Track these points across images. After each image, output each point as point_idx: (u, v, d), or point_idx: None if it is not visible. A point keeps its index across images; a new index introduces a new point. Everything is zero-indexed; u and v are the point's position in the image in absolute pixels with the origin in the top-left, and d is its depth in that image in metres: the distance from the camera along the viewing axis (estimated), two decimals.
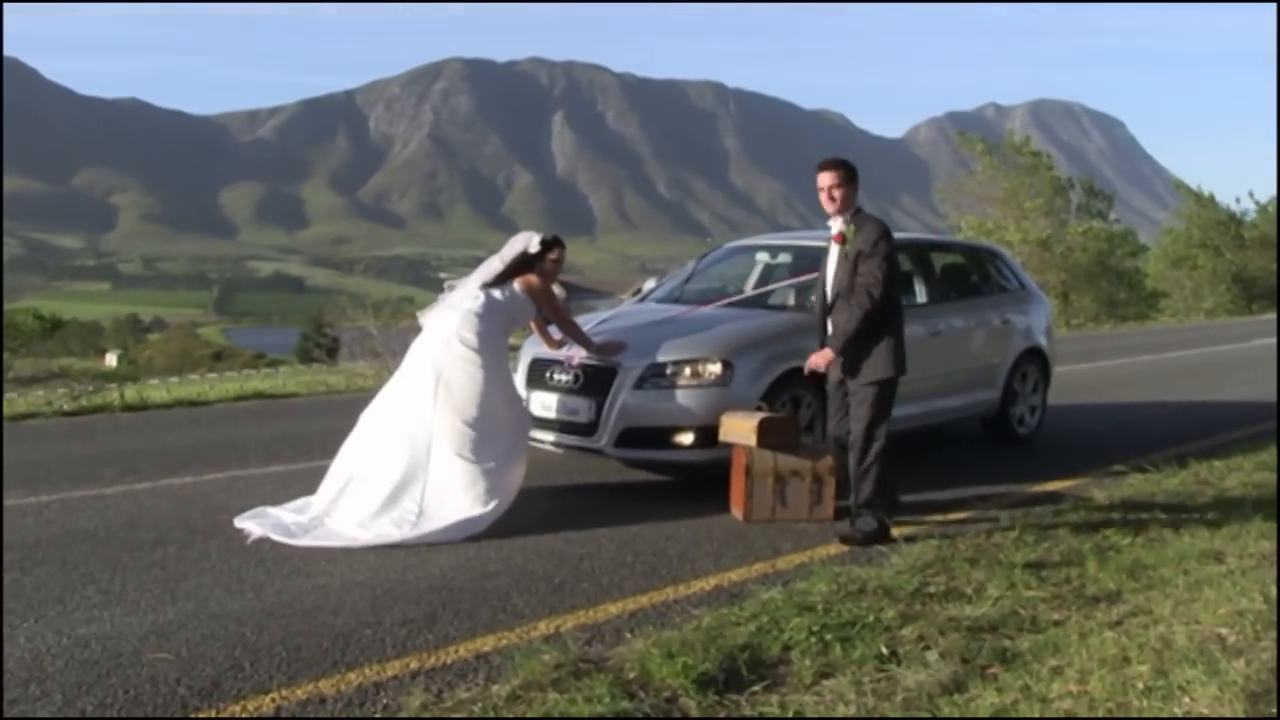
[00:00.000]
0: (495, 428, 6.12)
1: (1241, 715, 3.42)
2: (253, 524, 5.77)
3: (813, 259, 8.51)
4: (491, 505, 5.92)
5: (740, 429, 6.28)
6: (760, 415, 6.33)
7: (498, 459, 6.06)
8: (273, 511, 5.94)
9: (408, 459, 5.88)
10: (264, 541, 5.59)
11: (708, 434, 6.59)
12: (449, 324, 6.29)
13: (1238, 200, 44.85)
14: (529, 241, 6.55)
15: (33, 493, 6.74)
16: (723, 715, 3.56)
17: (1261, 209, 44.19)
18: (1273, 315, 32.60)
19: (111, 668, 3.96)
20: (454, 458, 5.89)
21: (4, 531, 5.80)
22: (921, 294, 8.43)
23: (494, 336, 6.36)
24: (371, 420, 6.19)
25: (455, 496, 5.82)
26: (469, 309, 6.34)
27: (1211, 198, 44.54)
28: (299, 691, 3.80)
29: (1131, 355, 17.71)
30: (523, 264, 6.52)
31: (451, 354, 6.16)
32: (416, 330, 6.61)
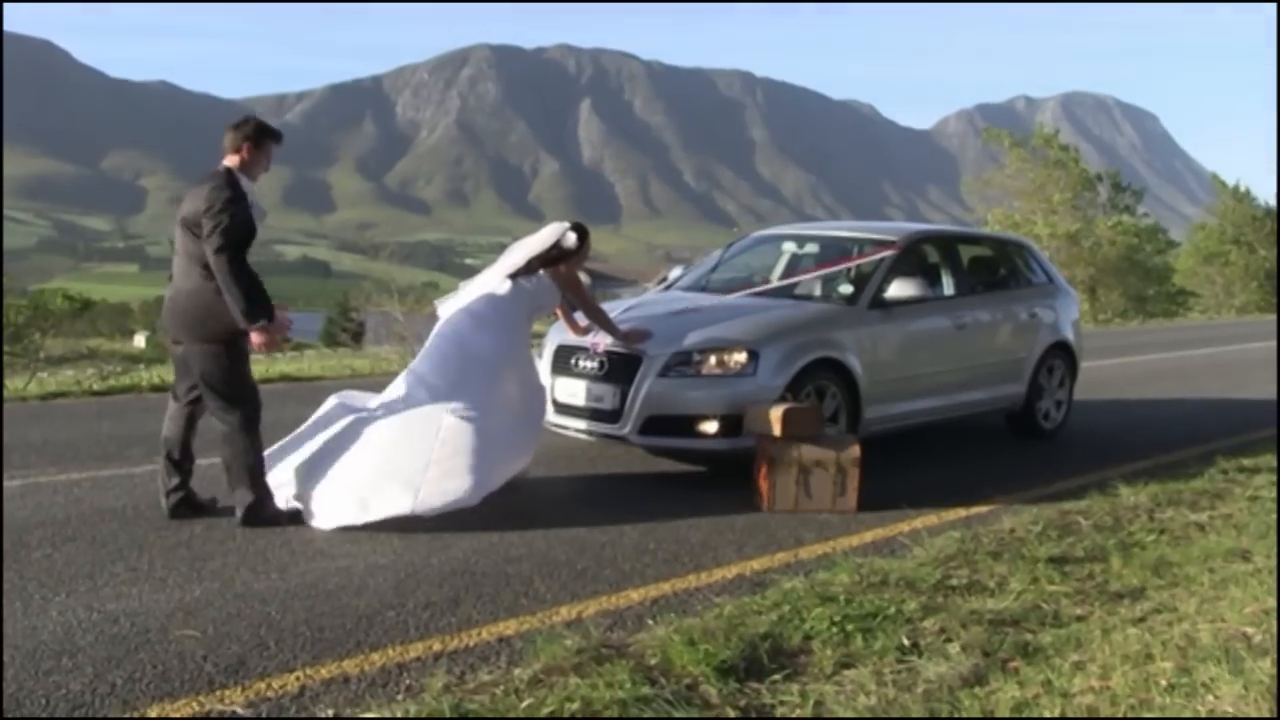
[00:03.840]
0: (508, 411, 6.13)
1: (1265, 713, 3.40)
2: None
3: (840, 249, 8.52)
4: (489, 482, 5.92)
5: (764, 418, 6.28)
6: (784, 405, 6.33)
7: (505, 439, 6.06)
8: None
9: (419, 431, 5.83)
10: (287, 523, 5.62)
11: (732, 423, 6.59)
12: (475, 305, 6.32)
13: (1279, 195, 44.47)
14: (562, 235, 6.53)
15: (63, 470, 6.81)
16: (743, 703, 3.57)
17: None
18: None
19: (140, 643, 4.01)
20: (471, 419, 5.88)
21: (35, 508, 5.87)
22: (948, 286, 8.40)
23: (518, 322, 6.39)
24: (383, 397, 6.18)
25: (466, 456, 5.76)
26: (495, 293, 6.37)
27: (1247, 193, 44.13)
28: (323, 671, 3.83)
29: (1159, 351, 17.59)
30: (558, 258, 6.52)
31: (473, 334, 6.19)
32: (434, 307, 6.67)
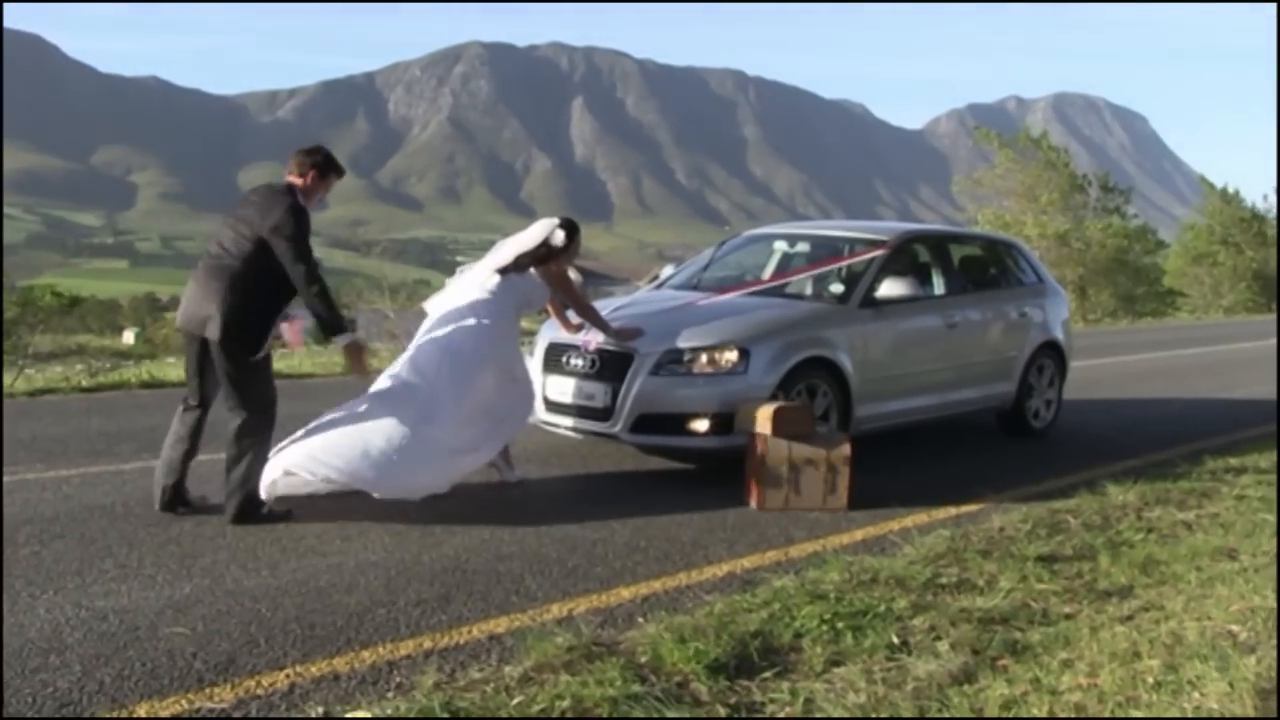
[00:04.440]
0: (484, 410, 6.14)
1: (1251, 711, 3.42)
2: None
3: (831, 248, 8.54)
4: (454, 475, 6.03)
5: (755, 417, 6.29)
6: (776, 404, 6.34)
7: (478, 441, 6.11)
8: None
9: (394, 420, 5.87)
10: (279, 520, 5.63)
11: (723, 421, 6.61)
12: (462, 301, 6.31)
13: (1265, 198, 44.73)
14: (550, 232, 6.52)
15: (51, 467, 6.79)
16: (733, 701, 3.57)
17: None
18: None
19: (129, 640, 4.00)
20: (439, 431, 5.90)
21: (24, 505, 5.85)
22: (939, 285, 8.42)
23: (504, 318, 6.38)
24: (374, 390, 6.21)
25: (425, 463, 5.84)
26: (482, 290, 6.36)
27: (1235, 194, 44.34)
28: (313, 668, 3.83)
29: (1148, 351, 17.64)
30: (547, 256, 6.52)
31: (459, 329, 6.19)
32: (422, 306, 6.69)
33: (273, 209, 5.53)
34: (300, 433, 5.95)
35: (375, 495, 5.80)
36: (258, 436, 5.59)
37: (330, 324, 5.58)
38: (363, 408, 5.97)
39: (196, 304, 5.57)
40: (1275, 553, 5.32)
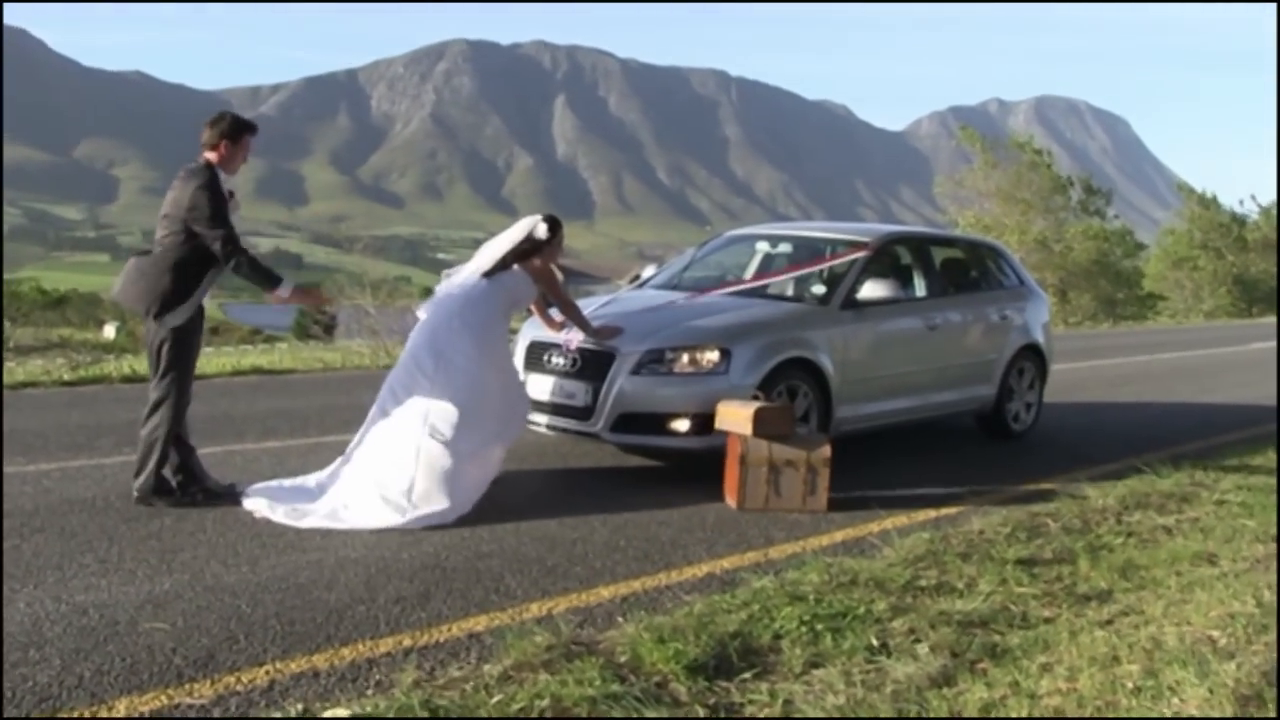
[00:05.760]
0: (490, 412, 6.12)
1: (1231, 717, 3.44)
2: (264, 506, 5.74)
3: (813, 250, 8.55)
4: (476, 487, 5.97)
5: (736, 417, 6.30)
6: (756, 404, 6.35)
7: (488, 443, 6.08)
8: (283, 491, 5.93)
9: (403, 443, 5.87)
10: (262, 516, 5.61)
11: (703, 421, 6.60)
12: (452, 304, 6.29)
13: (1241, 203, 45.07)
14: (534, 227, 6.52)
15: (31, 461, 6.75)
16: (712, 701, 3.58)
17: (1264, 211, 44.34)
18: (1272, 318, 32.66)
19: (109, 635, 3.99)
20: (447, 440, 5.87)
21: (3, 501, 5.81)
22: (920, 287, 8.44)
23: (496, 319, 6.36)
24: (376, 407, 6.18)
25: (445, 479, 5.80)
26: (470, 293, 6.34)
27: (1214, 199, 44.62)
28: (293, 665, 3.82)
29: (1128, 355, 17.72)
30: (531, 250, 6.50)
31: (451, 334, 6.16)
32: (413, 310, 6.65)
33: (186, 191, 5.70)
34: (314, 480, 5.96)
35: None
36: (170, 415, 5.71)
37: (265, 283, 5.82)
38: (373, 446, 5.96)
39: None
40: (1274, 552, 5.36)
